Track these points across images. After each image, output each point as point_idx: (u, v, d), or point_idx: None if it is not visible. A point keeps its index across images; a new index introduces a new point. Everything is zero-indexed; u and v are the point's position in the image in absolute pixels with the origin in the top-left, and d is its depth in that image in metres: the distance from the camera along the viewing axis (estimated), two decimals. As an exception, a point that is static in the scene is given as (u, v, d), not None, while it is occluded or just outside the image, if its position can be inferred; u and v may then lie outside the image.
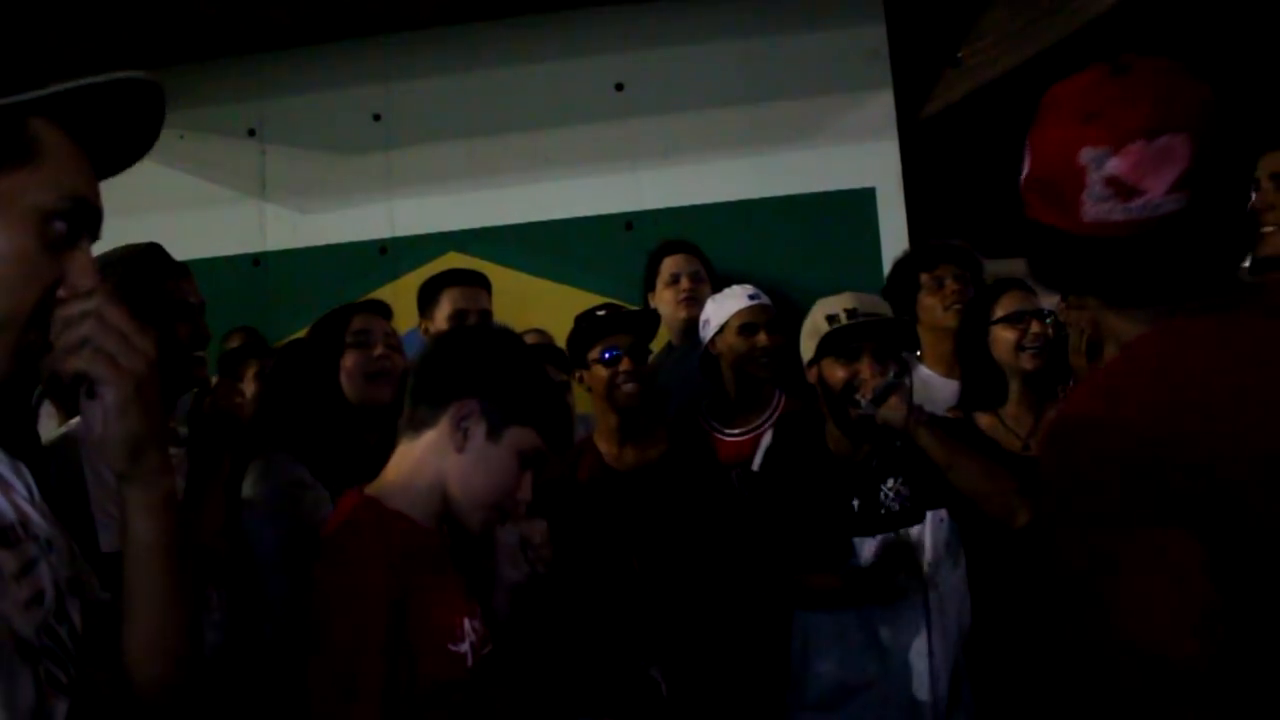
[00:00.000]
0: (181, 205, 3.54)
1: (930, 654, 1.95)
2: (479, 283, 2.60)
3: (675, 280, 2.82)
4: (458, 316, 2.48)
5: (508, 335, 1.49)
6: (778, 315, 2.48)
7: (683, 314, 2.77)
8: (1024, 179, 1.00)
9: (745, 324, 2.42)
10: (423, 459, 1.36)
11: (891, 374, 1.96)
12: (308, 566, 1.33)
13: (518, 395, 1.39)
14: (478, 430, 1.35)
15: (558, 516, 2.13)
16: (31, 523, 0.88)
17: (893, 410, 1.94)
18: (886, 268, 2.95)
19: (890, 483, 2.04)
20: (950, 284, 2.56)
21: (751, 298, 2.47)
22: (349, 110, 3.55)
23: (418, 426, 1.38)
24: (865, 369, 2.00)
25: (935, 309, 2.56)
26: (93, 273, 0.83)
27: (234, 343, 2.93)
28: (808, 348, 2.12)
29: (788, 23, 3.41)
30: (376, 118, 3.54)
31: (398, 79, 3.53)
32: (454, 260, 3.29)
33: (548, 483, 2.23)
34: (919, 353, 2.59)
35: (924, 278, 2.60)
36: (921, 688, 1.95)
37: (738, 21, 3.43)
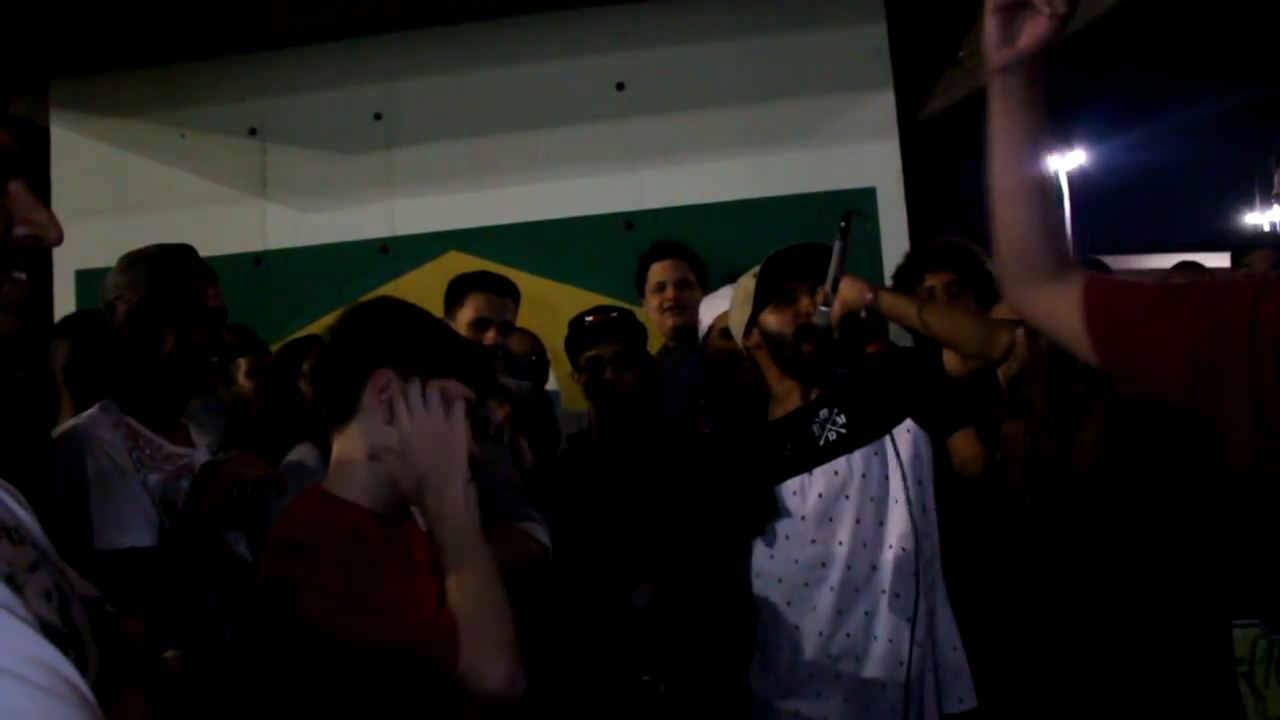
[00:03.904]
0: (183, 204, 3.54)
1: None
2: (508, 293, 2.49)
3: (660, 289, 2.81)
4: (479, 325, 2.38)
5: (391, 300, 1.45)
6: None
7: (669, 322, 2.77)
8: None
9: (727, 327, 2.40)
10: (359, 445, 1.32)
11: (836, 247, 1.90)
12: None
13: (423, 350, 1.36)
14: (399, 398, 1.30)
15: (556, 498, 2.15)
16: (24, 527, 0.89)
17: (849, 290, 1.88)
18: (887, 267, 2.95)
19: (823, 413, 1.96)
20: (940, 294, 2.48)
21: None
22: (350, 109, 3.56)
23: (343, 417, 1.34)
24: (805, 305, 1.95)
25: None
26: (39, 204, 0.84)
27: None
28: (742, 315, 2.05)
29: (788, 22, 3.42)
30: (377, 117, 3.55)
31: (399, 78, 3.54)
32: (455, 259, 3.30)
33: (547, 469, 2.26)
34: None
35: (919, 290, 2.51)
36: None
37: (738, 21, 3.43)
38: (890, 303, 1.89)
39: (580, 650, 2.07)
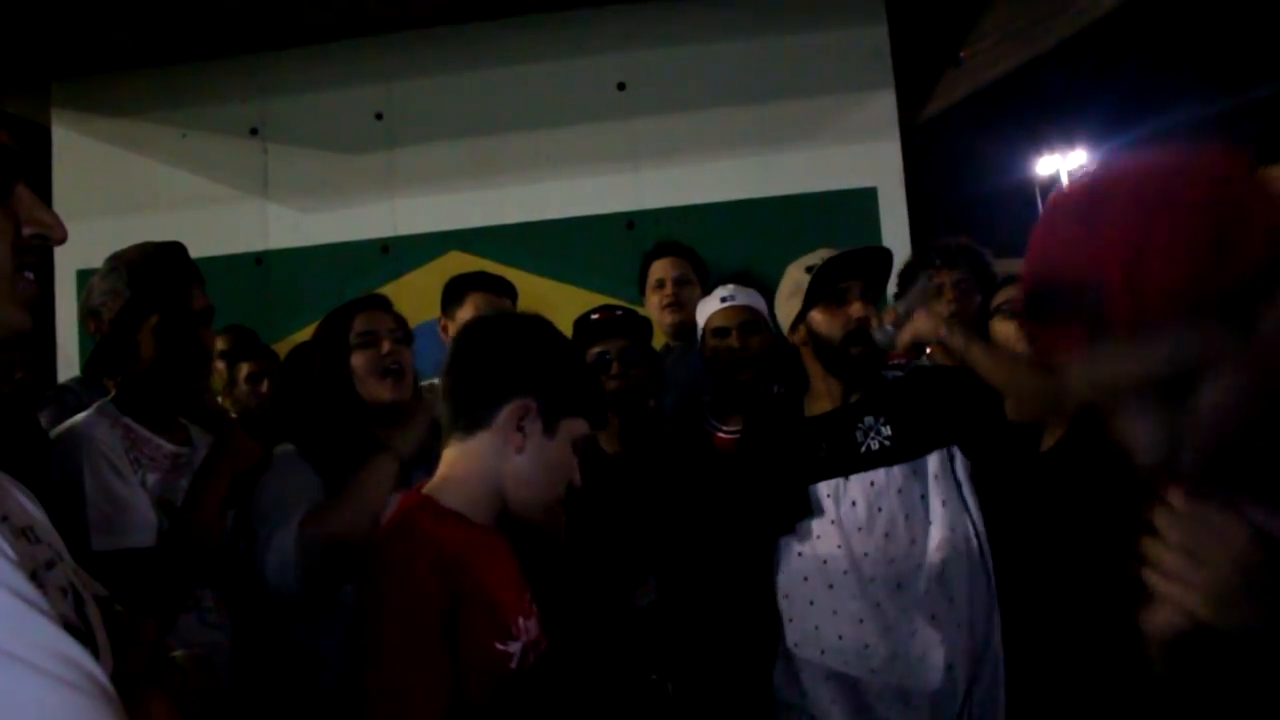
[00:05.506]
0: (184, 204, 3.55)
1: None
2: (506, 292, 2.55)
3: (660, 286, 2.81)
4: None
5: (543, 325, 1.45)
6: (765, 315, 2.44)
7: (668, 319, 2.77)
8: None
9: (716, 328, 2.38)
10: (480, 460, 1.35)
11: (919, 282, 1.91)
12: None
13: (567, 388, 1.39)
14: (535, 429, 1.34)
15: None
16: (39, 526, 0.90)
17: (925, 324, 1.87)
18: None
19: (868, 420, 1.93)
20: (948, 292, 2.50)
21: (724, 300, 2.40)
22: (351, 109, 3.56)
23: (469, 427, 1.36)
24: (856, 309, 1.91)
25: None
26: (43, 204, 0.85)
27: (222, 344, 2.90)
28: (790, 309, 2.01)
29: (790, 23, 3.42)
30: (379, 117, 3.55)
31: (400, 78, 3.54)
32: (456, 259, 3.30)
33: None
34: (928, 351, 2.55)
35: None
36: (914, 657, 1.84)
37: (740, 21, 3.44)
38: (977, 354, 1.83)
39: (585, 650, 2.07)
